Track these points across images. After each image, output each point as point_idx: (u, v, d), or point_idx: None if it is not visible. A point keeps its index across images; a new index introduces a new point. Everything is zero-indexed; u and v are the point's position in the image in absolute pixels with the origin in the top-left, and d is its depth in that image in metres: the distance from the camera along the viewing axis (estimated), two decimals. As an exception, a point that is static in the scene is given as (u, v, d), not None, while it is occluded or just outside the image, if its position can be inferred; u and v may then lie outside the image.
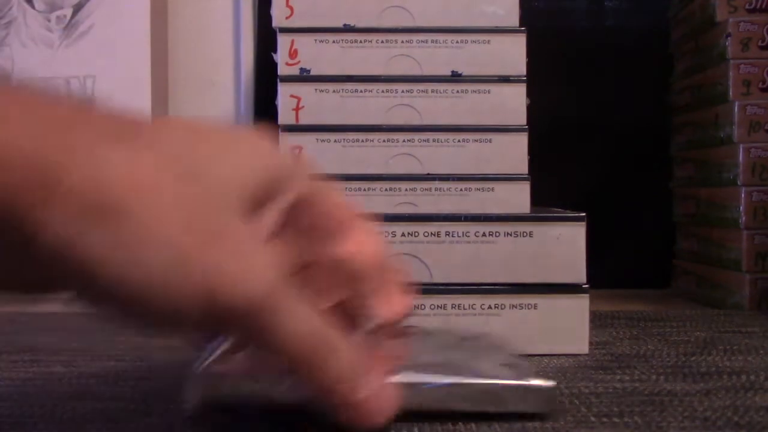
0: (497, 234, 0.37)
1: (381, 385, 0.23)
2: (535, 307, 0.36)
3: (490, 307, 0.36)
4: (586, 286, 0.37)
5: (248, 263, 0.20)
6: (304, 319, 0.21)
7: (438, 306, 0.36)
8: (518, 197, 0.43)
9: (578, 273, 0.37)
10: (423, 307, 0.36)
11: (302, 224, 0.24)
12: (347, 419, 0.23)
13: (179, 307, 0.19)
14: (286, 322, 0.21)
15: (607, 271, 0.63)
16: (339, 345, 0.22)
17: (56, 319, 0.47)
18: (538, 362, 0.35)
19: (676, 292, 0.60)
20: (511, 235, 0.37)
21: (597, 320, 0.46)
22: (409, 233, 0.37)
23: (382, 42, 0.46)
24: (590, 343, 0.39)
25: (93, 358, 0.36)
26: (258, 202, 0.22)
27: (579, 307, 0.37)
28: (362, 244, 0.24)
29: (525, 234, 0.37)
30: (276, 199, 0.23)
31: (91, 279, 0.18)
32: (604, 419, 0.26)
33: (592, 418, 0.26)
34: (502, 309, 0.36)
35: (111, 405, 0.28)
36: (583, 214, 0.37)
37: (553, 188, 0.51)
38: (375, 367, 0.24)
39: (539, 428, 0.25)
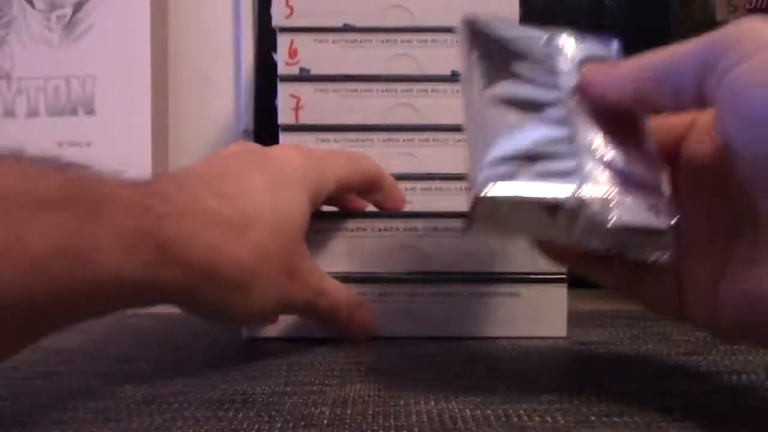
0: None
1: (364, 313, 0.39)
2: (518, 294, 0.40)
3: (476, 295, 0.40)
4: (565, 276, 0.40)
5: (308, 293, 0.35)
6: (328, 304, 0.37)
7: (430, 294, 0.40)
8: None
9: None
10: (420, 294, 0.40)
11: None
12: (350, 334, 0.39)
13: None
14: (323, 307, 0.36)
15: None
16: (340, 302, 0.37)
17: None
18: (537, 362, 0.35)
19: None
20: None
21: (597, 320, 0.46)
22: (409, 228, 0.39)
23: (382, 42, 0.46)
24: (590, 343, 0.39)
25: (93, 358, 0.36)
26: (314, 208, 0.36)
27: (558, 294, 0.40)
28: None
29: None
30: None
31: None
32: (604, 419, 0.26)
33: (592, 418, 0.26)
34: (487, 296, 0.40)
35: (111, 405, 0.28)
36: None
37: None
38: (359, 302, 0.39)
39: (539, 427, 0.25)
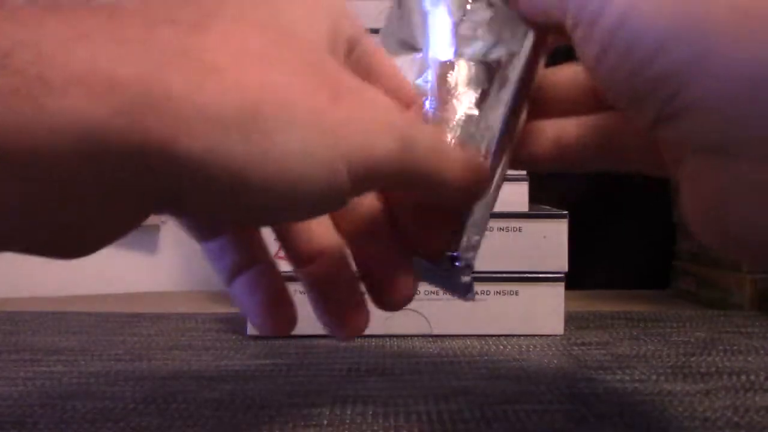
0: (490, 228, 0.40)
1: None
2: (517, 293, 0.41)
3: (478, 293, 0.40)
4: (562, 275, 0.41)
5: (376, 111, 0.19)
6: (430, 137, 0.21)
7: (431, 292, 0.40)
8: (517, 197, 0.43)
9: (561, 263, 0.41)
10: (418, 292, 0.39)
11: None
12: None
13: (332, 184, 0.18)
14: (421, 150, 0.20)
15: (607, 271, 0.63)
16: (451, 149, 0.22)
17: (56, 319, 0.48)
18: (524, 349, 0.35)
19: (676, 292, 0.60)
20: (502, 230, 0.41)
21: (597, 320, 0.46)
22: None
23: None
24: (590, 344, 0.39)
25: (93, 358, 0.36)
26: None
27: (555, 293, 0.41)
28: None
29: (515, 229, 0.41)
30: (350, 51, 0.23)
31: (241, 184, 0.16)
32: (604, 419, 0.26)
33: (592, 419, 0.26)
34: (487, 295, 0.41)
35: (111, 405, 0.28)
36: (566, 212, 0.42)
37: (553, 189, 0.51)
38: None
39: (539, 427, 0.25)
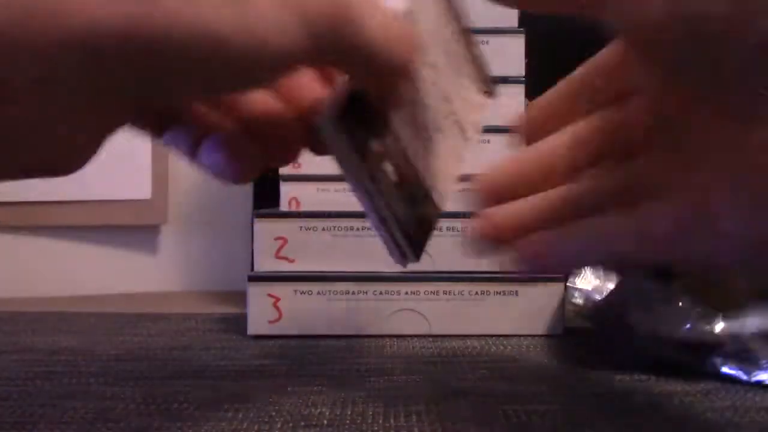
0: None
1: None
2: (517, 293, 0.41)
3: (477, 293, 0.41)
4: (563, 274, 0.41)
5: None
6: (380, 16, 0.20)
7: (431, 292, 0.41)
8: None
9: None
10: (418, 292, 0.41)
11: None
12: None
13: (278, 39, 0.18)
14: (370, 23, 0.20)
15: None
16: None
17: (56, 319, 0.48)
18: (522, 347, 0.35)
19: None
20: None
21: (597, 320, 0.46)
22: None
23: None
24: (590, 344, 0.39)
25: (93, 358, 0.36)
26: None
27: (555, 293, 0.41)
28: None
29: None
30: None
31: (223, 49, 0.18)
32: (605, 419, 0.26)
33: (592, 419, 0.26)
34: (487, 295, 0.41)
35: (111, 405, 0.28)
36: None
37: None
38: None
39: (539, 427, 0.25)
